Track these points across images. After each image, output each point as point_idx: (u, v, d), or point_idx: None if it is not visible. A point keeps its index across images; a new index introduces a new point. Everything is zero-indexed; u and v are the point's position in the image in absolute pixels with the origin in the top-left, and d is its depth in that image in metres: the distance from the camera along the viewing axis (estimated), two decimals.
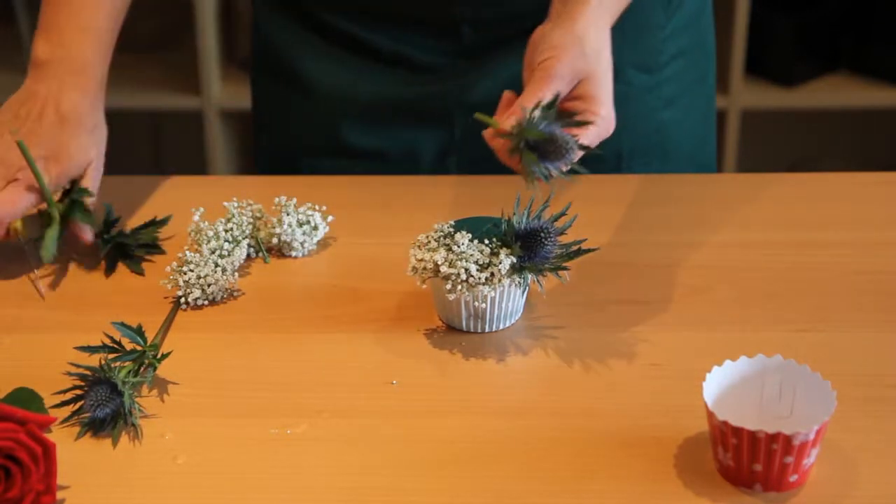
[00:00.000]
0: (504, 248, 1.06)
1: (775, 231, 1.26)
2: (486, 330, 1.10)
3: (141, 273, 1.19)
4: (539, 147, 1.00)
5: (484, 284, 1.05)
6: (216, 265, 1.16)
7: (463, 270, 1.05)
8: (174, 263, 1.16)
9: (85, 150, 1.23)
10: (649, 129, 1.39)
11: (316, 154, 1.41)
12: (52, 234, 1.18)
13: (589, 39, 1.07)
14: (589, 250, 1.09)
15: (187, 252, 1.16)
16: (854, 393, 1.01)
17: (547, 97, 1.03)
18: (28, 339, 1.11)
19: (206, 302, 1.14)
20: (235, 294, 1.16)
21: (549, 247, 1.06)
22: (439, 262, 1.05)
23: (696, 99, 1.44)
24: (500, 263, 1.05)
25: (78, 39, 1.25)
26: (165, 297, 1.15)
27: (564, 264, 1.07)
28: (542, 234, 1.06)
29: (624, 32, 1.33)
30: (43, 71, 1.25)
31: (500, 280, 1.05)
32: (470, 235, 1.06)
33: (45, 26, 1.26)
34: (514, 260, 1.06)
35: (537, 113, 1.01)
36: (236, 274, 1.17)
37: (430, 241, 1.07)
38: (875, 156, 2.75)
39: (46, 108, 1.22)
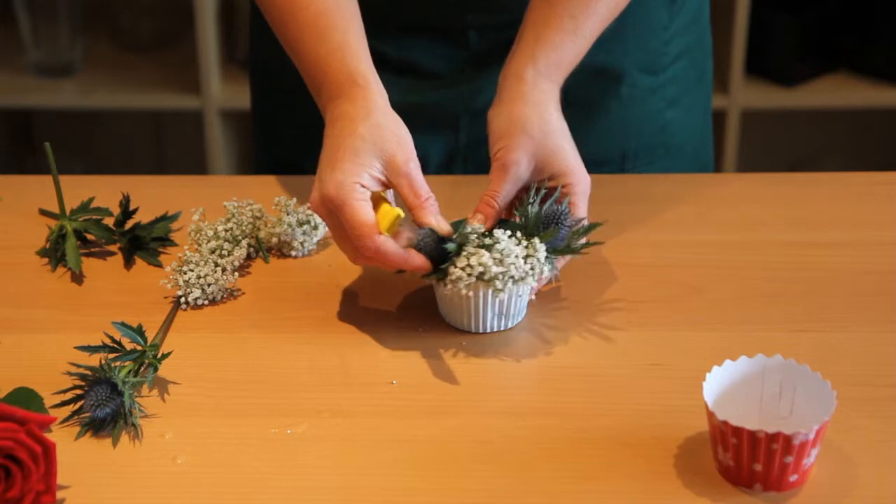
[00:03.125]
0: (534, 238, 1.06)
1: (775, 231, 1.26)
2: (508, 326, 1.10)
3: (159, 265, 1.20)
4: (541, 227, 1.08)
5: (528, 276, 1.05)
6: (216, 265, 1.16)
7: (512, 266, 1.04)
8: (174, 263, 1.16)
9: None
10: (653, 129, 1.39)
11: (315, 160, 1.40)
12: (73, 245, 1.20)
13: (530, 120, 1.12)
14: (595, 225, 1.09)
15: (187, 252, 1.16)
16: (854, 393, 1.01)
17: (507, 188, 1.10)
18: (28, 339, 1.11)
19: (206, 302, 1.14)
20: (235, 294, 1.16)
21: (564, 230, 1.08)
22: (490, 265, 1.04)
23: (697, 97, 1.44)
24: (537, 252, 1.05)
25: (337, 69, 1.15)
26: (165, 297, 1.15)
27: (581, 241, 1.08)
28: (562, 217, 1.07)
29: (628, 35, 1.34)
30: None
31: (540, 269, 1.05)
32: (509, 233, 1.06)
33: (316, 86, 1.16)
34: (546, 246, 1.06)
35: (531, 207, 1.08)
36: (236, 274, 1.17)
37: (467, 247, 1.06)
38: (875, 156, 2.75)
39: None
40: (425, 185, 1.08)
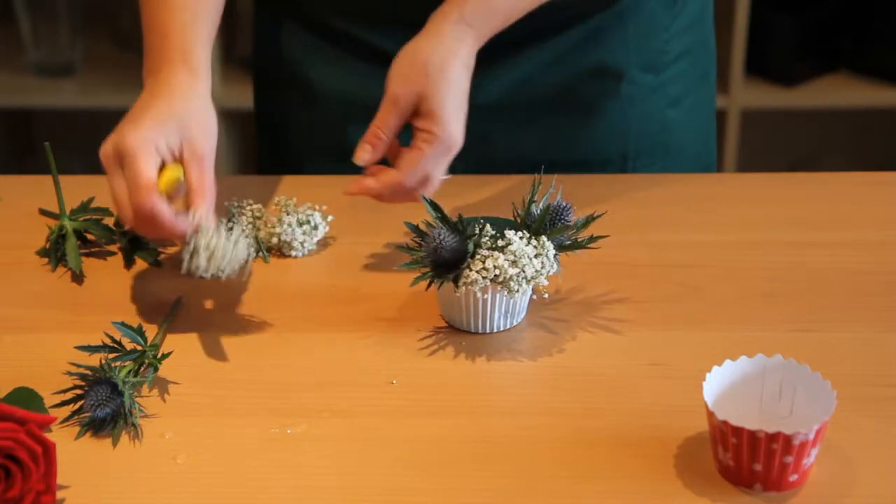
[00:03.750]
0: (542, 236, 1.06)
1: (775, 231, 1.26)
2: (513, 324, 1.10)
3: (158, 265, 1.20)
4: None
5: (539, 275, 1.05)
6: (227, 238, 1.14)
7: (526, 267, 1.04)
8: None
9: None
10: (655, 128, 1.39)
11: (321, 158, 1.41)
12: (73, 245, 1.20)
13: (434, 59, 1.13)
14: (595, 216, 1.09)
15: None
16: (854, 393, 1.01)
17: (393, 122, 1.12)
18: (28, 339, 1.11)
19: (208, 274, 1.11)
20: (240, 287, 1.16)
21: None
22: (506, 267, 1.04)
23: (700, 98, 1.44)
24: (547, 251, 1.05)
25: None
26: (166, 297, 1.15)
27: (580, 238, 1.08)
28: (565, 213, 1.08)
29: (628, 34, 1.34)
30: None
31: (551, 266, 1.05)
32: (521, 233, 1.06)
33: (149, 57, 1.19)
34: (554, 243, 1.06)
35: None
36: (252, 249, 1.16)
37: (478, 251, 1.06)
38: (875, 155, 2.75)
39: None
40: (213, 177, 1.10)
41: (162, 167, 1.09)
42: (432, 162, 1.12)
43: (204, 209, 1.08)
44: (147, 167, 1.06)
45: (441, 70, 1.12)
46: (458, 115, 1.13)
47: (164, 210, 1.06)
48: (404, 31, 1.34)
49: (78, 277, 1.19)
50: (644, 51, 1.36)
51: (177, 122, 1.10)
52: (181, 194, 1.10)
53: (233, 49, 2.50)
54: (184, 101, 1.11)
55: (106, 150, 1.09)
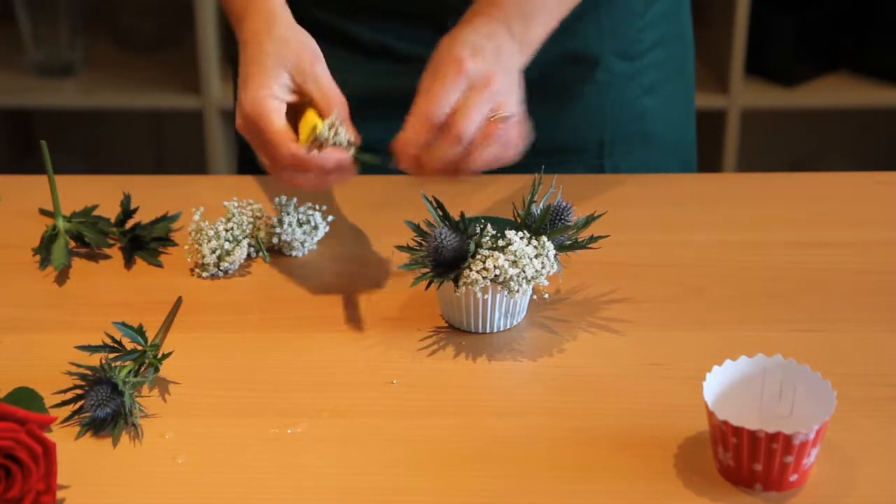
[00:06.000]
0: (542, 236, 1.06)
1: (775, 231, 1.26)
2: (513, 324, 1.10)
3: (158, 265, 1.20)
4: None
5: (540, 275, 1.05)
6: (231, 240, 1.19)
7: (528, 267, 1.04)
8: (191, 233, 1.18)
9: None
10: (631, 116, 1.39)
11: None
12: (61, 245, 1.20)
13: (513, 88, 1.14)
14: (595, 216, 1.09)
15: (203, 224, 1.18)
16: (854, 393, 1.01)
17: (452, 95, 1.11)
18: (28, 339, 1.11)
19: (214, 272, 1.17)
20: (240, 287, 1.16)
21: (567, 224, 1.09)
22: (507, 267, 1.04)
23: (677, 89, 1.44)
24: (547, 251, 1.05)
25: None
26: (167, 297, 1.15)
27: (581, 238, 1.08)
28: (565, 213, 1.08)
29: (602, 21, 1.34)
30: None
31: (551, 266, 1.06)
32: (521, 233, 1.06)
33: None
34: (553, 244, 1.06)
35: None
36: (250, 249, 1.19)
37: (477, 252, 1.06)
38: (875, 156, 2.75)
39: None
40: (335, 88, 1.12)
41: (304, 112, 1.12)
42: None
43: (334, 115, 1.10)
44: (274, 122, 1.09)
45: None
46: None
47: (304, 153, 1.08)
48: (378, 18, 1.34)
49: (78, 277, 1.19)
50: (618, 38, 1.36)
51: (275, 62, 1.12)
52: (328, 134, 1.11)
53: (233, 49, 2.50)
54: (271, 37, 1.13)
55: (239, 125, 1.13)
